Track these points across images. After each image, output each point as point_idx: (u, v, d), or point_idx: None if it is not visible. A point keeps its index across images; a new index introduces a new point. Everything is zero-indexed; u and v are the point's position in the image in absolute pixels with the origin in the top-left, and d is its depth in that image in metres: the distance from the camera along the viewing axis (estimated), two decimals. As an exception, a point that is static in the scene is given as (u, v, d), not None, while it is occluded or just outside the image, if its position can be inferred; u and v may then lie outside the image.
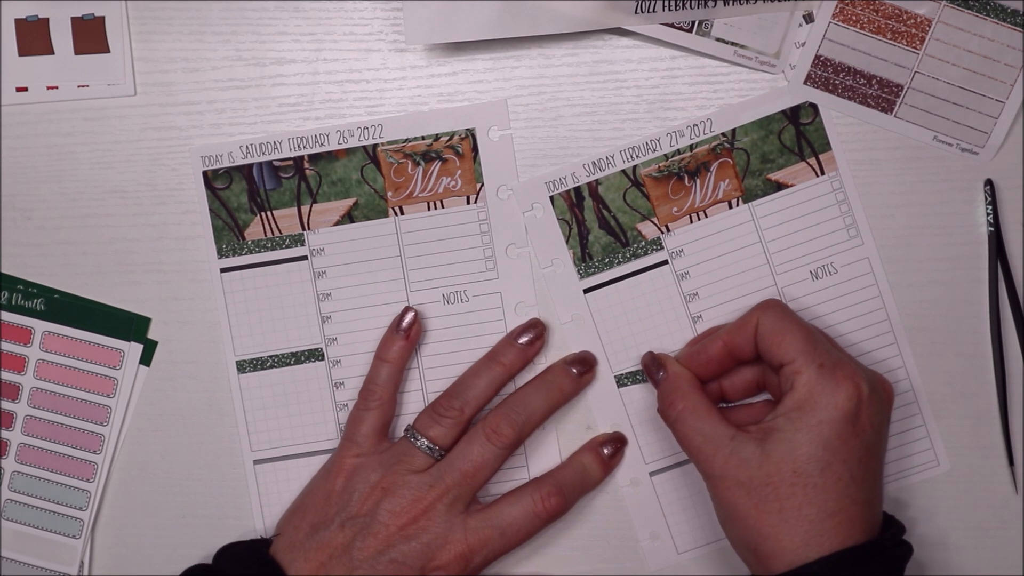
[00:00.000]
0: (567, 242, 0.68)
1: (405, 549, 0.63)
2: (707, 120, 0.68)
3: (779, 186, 0.68)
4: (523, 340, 0.67)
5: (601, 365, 0.68)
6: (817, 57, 0.67)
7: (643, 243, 0.68)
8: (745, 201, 0.68)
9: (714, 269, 0.68)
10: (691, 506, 0.68)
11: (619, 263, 0.68)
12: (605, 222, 0.68)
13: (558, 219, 0.68)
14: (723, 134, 0.68)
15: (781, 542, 0.58)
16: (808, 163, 0.68)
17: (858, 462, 0.59)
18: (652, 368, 0.65)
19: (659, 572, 0.69)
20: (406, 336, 0.66)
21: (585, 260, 0.68)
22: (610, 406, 0.69)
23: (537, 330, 0.67)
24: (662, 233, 0.68)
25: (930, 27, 0.67)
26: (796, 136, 0.68)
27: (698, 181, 0.68)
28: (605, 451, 0.67)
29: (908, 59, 0.67)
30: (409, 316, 0.66)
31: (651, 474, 0.69)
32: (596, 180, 0.68)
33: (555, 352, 0.69)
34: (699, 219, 0.68)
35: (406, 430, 0.65)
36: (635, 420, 0.68)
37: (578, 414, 0.69)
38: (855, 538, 0.58)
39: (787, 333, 0.61)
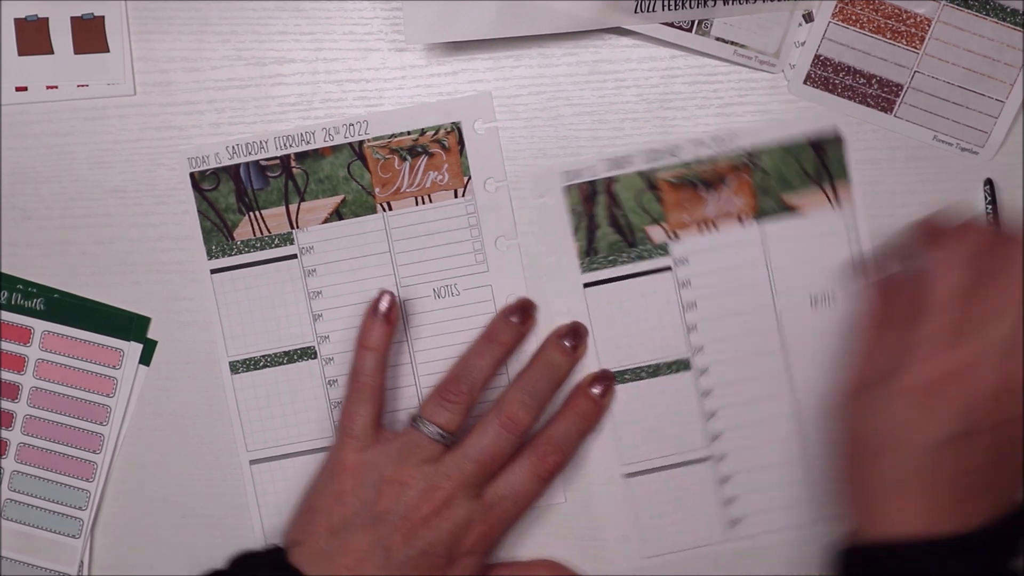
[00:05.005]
0: (575, 234, 0.68)
1: (432, 539, 0.62)
2: (732, 134, 0.67)
3: (792, 210, 0.68)
4: (515, 319, 0.67)
5: (591, 362, 0.68)
6: (817, 57, 0.67)
7: (649, 246, 0.68)
8: (756, 219, 0.68)
9: (715, 283, 0.68)
10: (663, 513, 0.68)
11: (623, 262, 0.68)
12: (615, 220, 0.68)
13: (570, 210, 0.68)
14: (746, 151, 0.67)
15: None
16: (824, 190, 0.67)
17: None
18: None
19: (626, 573, 0.68)
20: (387, 320, 0.65)
21: (590, 254, 0.68)
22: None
23: (527, 310, 0.67)
24: (670, 239, 0.68)
25: (930, 27, 0.66)
26: (816, 162, 0.67)
27: (713, 193, 0.68)
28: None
29: (908, 59, 0.67)
30: (386, 299, 0.65)
31: (626, 476, 0.68)
32: (613, 177, 0.68)
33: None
34: (708, 230, 0.68)
35: (413, 419, 0.64)
36: (620, 420, 0.68)
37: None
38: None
39: None
